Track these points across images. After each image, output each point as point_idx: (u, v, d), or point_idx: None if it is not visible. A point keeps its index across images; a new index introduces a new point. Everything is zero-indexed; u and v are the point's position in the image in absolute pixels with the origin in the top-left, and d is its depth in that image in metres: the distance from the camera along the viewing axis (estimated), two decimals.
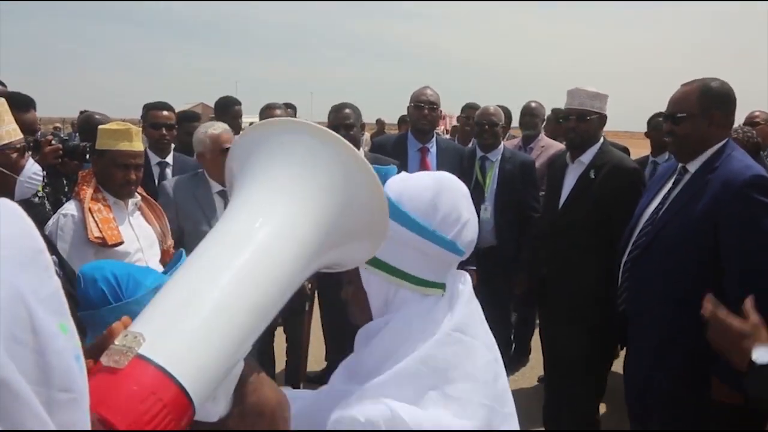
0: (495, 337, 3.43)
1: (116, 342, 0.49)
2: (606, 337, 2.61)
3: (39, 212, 2.29)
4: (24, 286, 0.33)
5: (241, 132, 0.69)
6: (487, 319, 3.74)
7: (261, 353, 3.02)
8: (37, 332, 0.33)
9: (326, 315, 3.27)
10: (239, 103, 4.15)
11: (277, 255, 0.58)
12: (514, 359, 4.35)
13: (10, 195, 1.71)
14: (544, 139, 4.15)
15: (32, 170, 1.75)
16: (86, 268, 1.00)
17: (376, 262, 0.84)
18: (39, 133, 2.79)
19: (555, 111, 4.74)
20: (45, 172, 2.86)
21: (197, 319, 0.51)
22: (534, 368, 4.26)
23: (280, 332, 3.49)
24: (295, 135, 0.64)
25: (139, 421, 0.45)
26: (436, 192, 0.86)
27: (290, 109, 4.51)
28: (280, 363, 3.54)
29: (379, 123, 12.47)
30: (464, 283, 0.92)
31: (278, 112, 2.87)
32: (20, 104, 2.88)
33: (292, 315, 3.23)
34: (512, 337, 4.48)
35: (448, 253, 0.86)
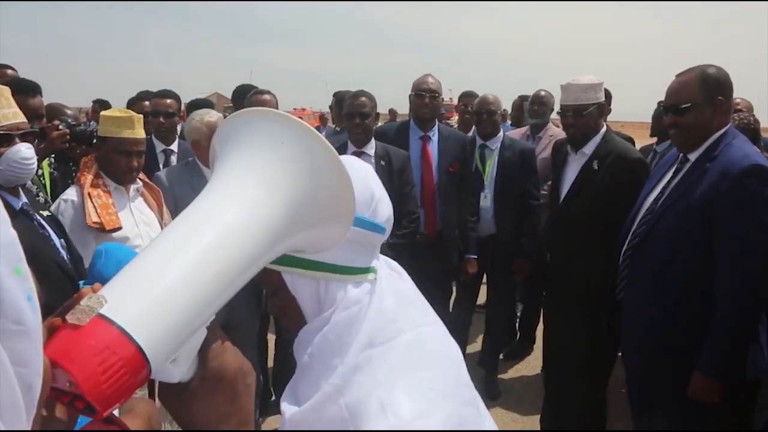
0: (499, 325, 3.46)
1: (81, 303, 0.53)
2: (608, 328, 2.60)
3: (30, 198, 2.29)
4: None
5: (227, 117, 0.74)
6: (491, 307, 3.77)
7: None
8: None
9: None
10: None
11: (241, 232, 0.62)
12: (518, 348, 4.36)
13: None
14: (552, 128, 4.11)
15: (15, 157, 1.68)
16: (111, 246, 1.05)
17: (298, 261, 0.81)
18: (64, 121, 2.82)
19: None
20: (54, 157, 2.93)
21: (159, 287, 0.56)
22: (538, 357, 4.26)
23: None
24: (267, 122, 0.69)
25: (94, 372, 0.49)
26: None
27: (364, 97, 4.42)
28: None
29: (392, 113, 12.51)
30: (392, 268, 0.90)
31: (364, 99, 2.90)
32: (26, 90, 2.93)
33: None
34: (517, 326, 4.49)
35: (369, 233, 0.84)
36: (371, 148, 2.96)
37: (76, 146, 2.80)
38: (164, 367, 0.58)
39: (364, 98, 2.91)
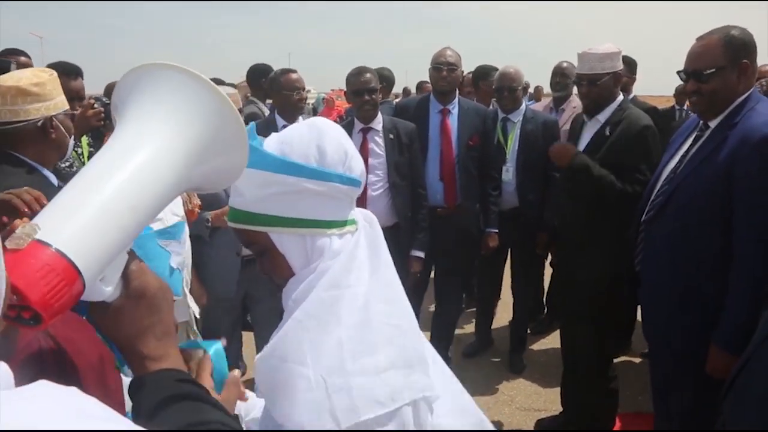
0: (523, 301, 3.52)
1: (18, 231, 0.61)
2: (615, 296, 2.60)
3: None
4: None
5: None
6: (515, 282, 3.84)
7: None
8: None
9: None
10: (272, 70, 4.25)
11: (151, 168, 0.70)
12: (544, 323, 4.36)
13: (63, 157, 1.88)
14: (575, 100, 4.02)
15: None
16: None
17: (282, 221, 0.89)
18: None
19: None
20: (90, 134, 3.10)
21: (84, 215, 0.65)
22: None
23: None
24: (159, 73, 0.76)
25: (38, 284, 0.58)
26: (318, 135, 0.91)
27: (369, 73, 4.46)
28: None
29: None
30: (369, 221, 0.97)
31: (369, 75, 2.98)
32: (69, 72, 3.09)
33: None
34: (545, 300, 4.48)
35: (346, 187, 0.91)
36: (378, 123, 3.00)
37: (111, 123, 2.94)
38: (95, 285, 0.67)
39: (368, 74, 2.96)
